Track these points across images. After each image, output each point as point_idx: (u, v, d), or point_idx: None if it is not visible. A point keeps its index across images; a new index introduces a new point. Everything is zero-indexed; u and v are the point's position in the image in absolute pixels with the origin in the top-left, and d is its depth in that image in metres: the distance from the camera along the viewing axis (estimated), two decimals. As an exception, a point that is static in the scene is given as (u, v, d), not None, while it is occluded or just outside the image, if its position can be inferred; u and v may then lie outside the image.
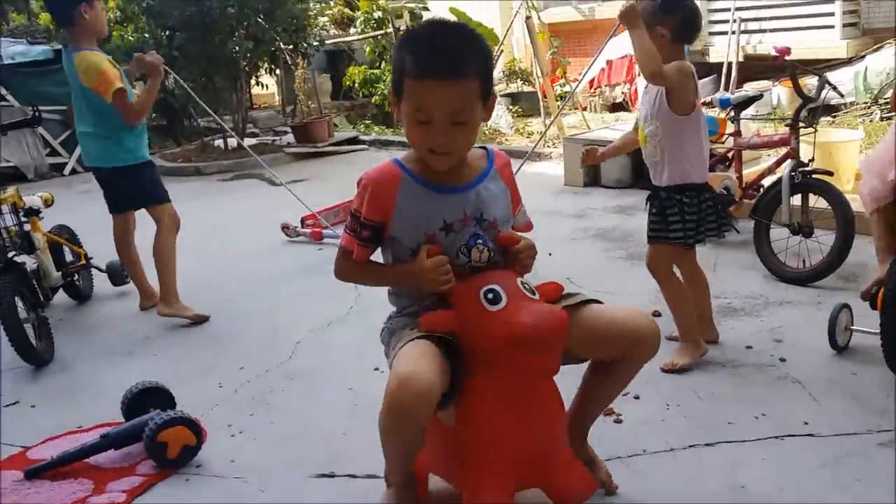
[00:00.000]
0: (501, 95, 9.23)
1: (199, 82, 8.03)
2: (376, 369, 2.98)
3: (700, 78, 8.57)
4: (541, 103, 7.95)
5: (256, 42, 7.73)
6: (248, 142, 8.45)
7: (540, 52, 7.72)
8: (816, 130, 3.95)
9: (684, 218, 2.74)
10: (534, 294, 1.76)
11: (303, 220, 4.97)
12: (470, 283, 1.76)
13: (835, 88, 4.25)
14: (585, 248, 4.29)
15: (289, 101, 9.89)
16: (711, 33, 8.40)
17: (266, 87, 9.49)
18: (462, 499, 1.82)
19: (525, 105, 9.11)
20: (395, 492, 1.94)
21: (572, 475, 1.87)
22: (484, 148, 1.94)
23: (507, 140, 7.75)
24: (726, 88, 7.75)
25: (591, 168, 5.74)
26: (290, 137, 8.62)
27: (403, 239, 1.83)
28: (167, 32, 7.76)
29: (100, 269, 4.15)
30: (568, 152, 5.90)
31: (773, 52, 4.11)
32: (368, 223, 1.82)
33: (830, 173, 3.65)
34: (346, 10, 11.37)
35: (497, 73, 9.78)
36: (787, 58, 4.02)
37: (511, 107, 8.90)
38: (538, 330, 1.64)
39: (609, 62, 9.16)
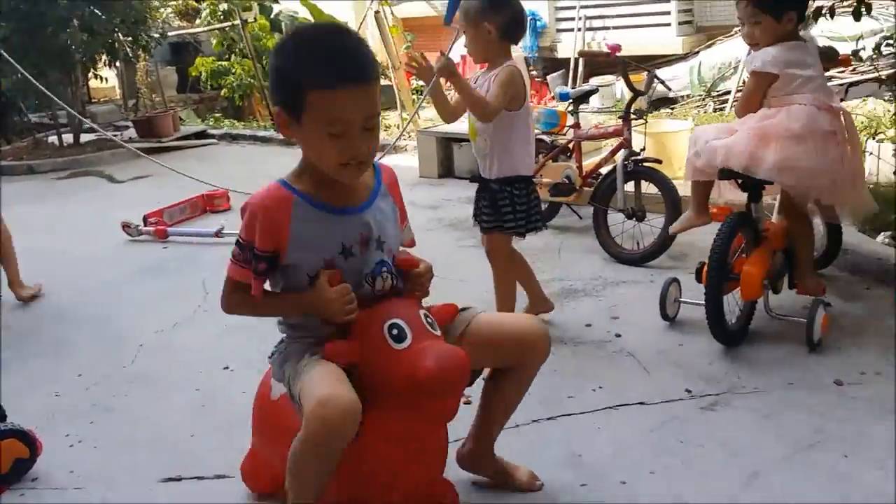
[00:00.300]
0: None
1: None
2: (226, 368, 2.92)
3: (549, 73, 8.92)
4: (397, 97, 8.00)
5: (92, 34, 7.28)
6: (86, 138, 7.94)
7: (392, 47, 7.75)
8: (646, 122, 4.23)
9: (515, 209, 2.86)
10: (435, 329, 1.73)
11: (145, 218, 4.73)
12: (373, 315, 1.69)
13: (662, 83, 4.57)
14: (440, 238, 4.37)
15: (131, 95, 9.36)
16: (559, 30, 8.78)
17: (105, 80, 8.94)
18: None
19: (382, 98, 9.11)
20: None
21: (446, 491, 1.92)
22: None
23: (362, 133, 7.73)
24: (573, 83, 8.14)
25: (444, 160, 5.87)
26: (132, 132, 8.17)
27: (300, 265, 1.72)
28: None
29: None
30: (422, 145, 5.98)
31: (606, 49, 4.36)
32: (263, 254, 1.69)
33: (659, 161, 3.93)
34: (191, 2, 10.91)
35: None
36: (618, 54, 4.27)
37: (367, 100, 8.88)
38: (442, 375, 1.60)
39: (464, 57, 9.35)
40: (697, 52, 7.79)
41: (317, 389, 1.58)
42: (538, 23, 8.78)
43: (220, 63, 9.20)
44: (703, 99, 7.30)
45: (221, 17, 9.67)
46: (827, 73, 6.09)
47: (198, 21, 10.46)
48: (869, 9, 3.48)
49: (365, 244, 1.75)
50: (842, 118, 2.80)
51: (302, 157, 1.74)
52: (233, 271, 1.76)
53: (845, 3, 3.60)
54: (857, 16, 3.47)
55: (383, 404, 1.65)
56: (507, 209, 2.86)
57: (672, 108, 7.26)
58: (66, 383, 2.87)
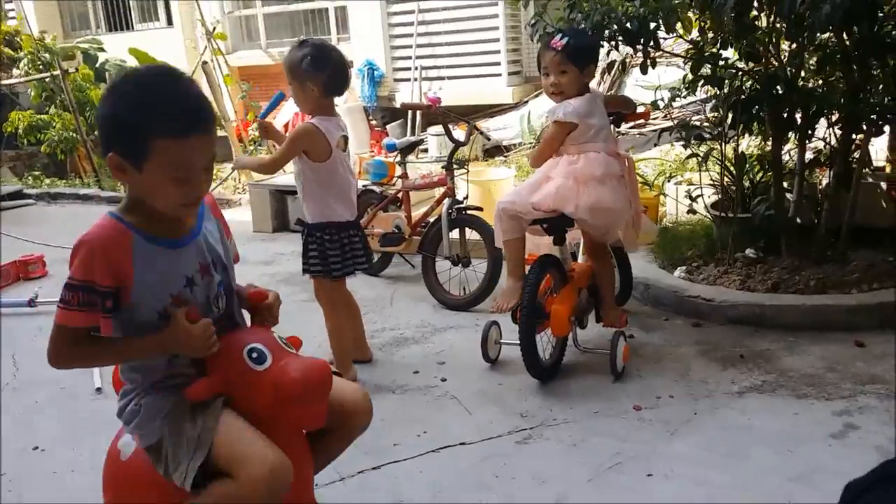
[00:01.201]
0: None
1: None
2: (35, 448, 2.73)
3: (389, 122, 9.11)
4: (233, 148, 7.88)
5: None
6: None
7: (221, 99, 7.66)
8: (468, 171, 4.45)
9: (325, 253, 3.00)
10: (291, 349, 1.78)
11: (-53, 289, 4.36)
12: (230, 345, 1.72)
13: (482, 133, 4.84)
14: (272, 293, 4.33)
15: (-65, 153, 8.63)
16: (397, 80, 9.03)
17: None
18: None
19: (217, 151, 8.91)
20: None
21: None
22: None
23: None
24: (412, 132, 8.38)
25: (278, 213, 5.84)
26: (-64, 195, 7.50)
27: (147, 303, 1.67)
28: None
29: None
30: (255, 198, 5.93)
31: (427, 101, 4.56)
32: (108, 291, 1.62)
33: (480, 209, 4.14)
34: (7, 50, 10.24)
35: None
36: (438, 105, 4.48)
37: (202, 152, 8.66)
38: (308, 383, 1.67)
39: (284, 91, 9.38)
40: (527, 102, 8.26)
41: (254, 449, 1.61)
42: (376, 72, 8.99)
43: (38, 117, 8.67)
44: (534, 146, 7.74)
45: (41, 66, 9.14)
46: (632, 124, 6.68)
47: (15, 71, 9.82)
48: (654, 63, 3.87)
49: (206, 271, 1.76)
50: (626, 163, 3.12)
51: (130, 193, 1.71)
52: (67, 318, 1.63)
53: (656, 55, 3.99)
54: (643, 70, 3.85)
55: (263, 420, 1.70)
56: (313, 253, 3.02)
57: (505, 156, 7.65)
58: None
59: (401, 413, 2.83)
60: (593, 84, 3.40)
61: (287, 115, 9.45)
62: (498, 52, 8.50)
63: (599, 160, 3.00)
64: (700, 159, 3.99)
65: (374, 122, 9.05)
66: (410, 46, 8.76)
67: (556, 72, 3.04)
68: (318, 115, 2.95)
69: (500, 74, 8.55)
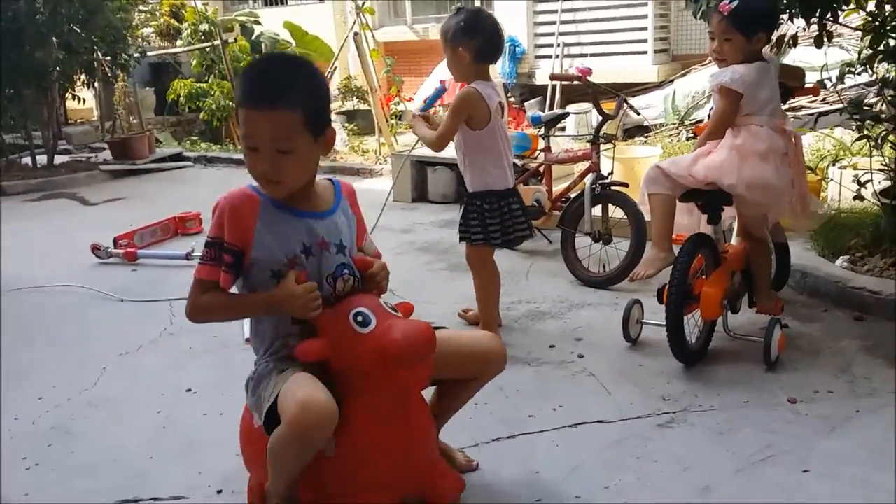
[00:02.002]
0: (337, 113, 9.24)
1: (4, 94, 7.44)
2: (188, 391, 2.91)
3: (527, 99, 9.04)
4: (376, 120, 8.05)
5: (70, 52, 7.27)
6: (60, 159, 7.91)
7: (370, 71, 7.82)
8: (615, 146, 4.30)
9: (484, 222, 2.98)
10: (397, 313, 1.84)
11: (115, 240, 4.71)
12: (337, 308, 1.81)
13: (632, 108, 4.66)
14: (409, 262, 4.39)
15: (108, 116, 9.35)
16: (538, 57, 8.88)
17: (83, 101, 8.92)
18: None
19: (361, 123, 9.17)
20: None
21: (446, 480, 2.02)
22: (330, 180, 2.00)
23: (341, 157, 7.77)
24: (550, 109, 8.25)
25: (418, 183, 5.90)
26: (106, 154, 8.15)
27: (264, 263, 1.82)
28: (-35, 40, 7.13)
29: None
30: (396, 169, 6.02)
31: (577, 73, 4.43)
32: (231, 248, 1.80)
33: (626, 185, 3.99)
34: (173, 22, 10.95)
35: (332, 89, 9.79)
36: (588, 78, 4.34)
37: (346, 124, 8.93)
38: (410, 344, 1.72)
39: (443, 82, 9.45)
40: (672, 81, 7.90)
41: (297, 395, 1.69)
42: (517, 49, 8.88)
43: (198, 85, 9.22)
44: (677, 127, 7.41)
45: (202, 37, 9.70)
46: (797, 102, 6.22)
47: (178, 41, 10.49)
48: (830, 37, 3.57)
49: (325, 247, 1.86)
50: (793, 141, 2.89)
51: None
52: (201, 271, 1.83)
53: (810, 32, 3.69)
54: (818, 43, 3.56)
55: (361, 389, 1.77)
56: (474, 221, 3.00)
57: (646, 137, 7.37)
58: (25, 406, 2.84)
59: (536, 386, 2.78)
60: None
61: (427, 90, 9.55)
62: (644, 28, 8.16)
63: (763, 135, 2.81)
64: (874, 142, 3.65)
65: (512, 99, 8.96)
66: (554, 23, 8.58)
67: (720, 37, 2.85)
68: (478, 81, 2.93)
69: (645, 52, 8.21)
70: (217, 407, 2.74)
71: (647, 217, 3.40)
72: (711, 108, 3.12)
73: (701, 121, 7.35)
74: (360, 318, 1.77)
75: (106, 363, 3.20)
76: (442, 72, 9.23)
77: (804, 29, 3.67)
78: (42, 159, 7.67)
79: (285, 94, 1.73)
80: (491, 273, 3.14)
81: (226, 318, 2.01)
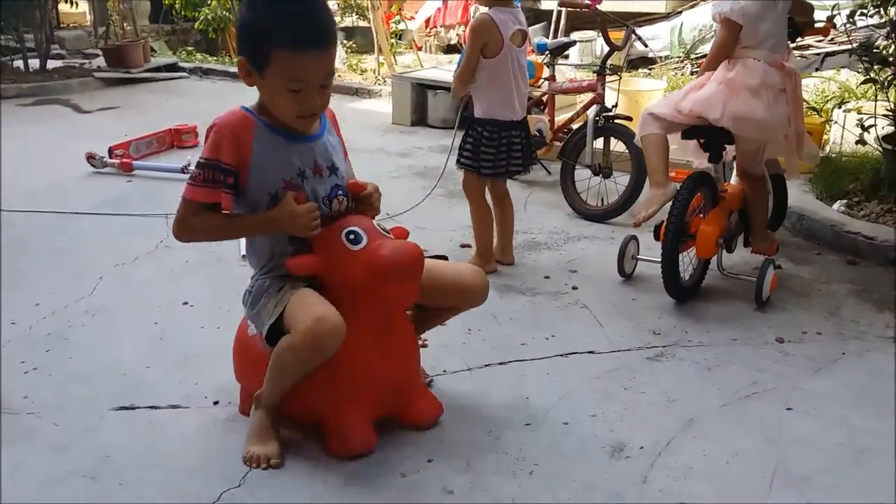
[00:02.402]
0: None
1: (-7, -6, 7.20)
2: (185, 303, 2.93)
3: (530, 25, 8.87)
4: (375, 37, 7.86)
5: (61, -47, 7.02)
6: (52, 64, 7.71)
7: (371, -13, 7.59)
8: (621, 78, 4.24)
9: (478, 149, 2.96)
10: (388, 233, 1.92)
11: (111, 150, 4.65)
12: (331, 227, 1.87)
13: (640, 39, 4.55)
14: (406, 186, 4.37)
15: (101, 22, 9.09)
16: (544, -20, 8.65)
17: (76, 4, 8.63)
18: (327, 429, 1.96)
19: (360, 41, 8.95)
20: (266, 412, 1.97)
21: (424, 402, 2.09)
22: None
23: (339, 76, 7.61)
24: (554, 35, 8.06)
25: (418, 107, 5.82)
26: (100, 61, 7.96)
27: (260, 185, 1.85)
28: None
29: None
30: (396, 91, 5.92)
31: (586, 1, 4.32)
32: (230, 169, 1.82)
33: (629, 118, 3.95)
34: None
35: (332, 3, 9.52)
36: (597, 7, 4.24)
37: (345, 42, 8.72)
38: (398, 261, 1.79)
39: (445, 2, 9.21)
40: (680, 13, 7.73)
41: (309, 308, 1.77)
42: (523, -28, 8.64)
43: (195, -7, 8.94)
44: (682, 61, 7.29)
45: (202, -58, 9.35)
46: (805, 41, 6.10)
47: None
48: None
49: (318, 170, 1.91)
50: (791, 78, 2.83)
51: (261, 96, 1.88)
52: (194, 193, 1.84)
53: None
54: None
55: (350, 306, 1.83)
56: (467, 147, 3.00)
57: (650, 69, 7.24)
58: (22, 312, 2.86)
59: (530, 315, 2.82)
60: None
61: (429, 10, 9.31)
62: (656, -44, 7.93)
63: (757, 69, 2.76)
64: (880, 86, 3.61)
65: (518, 24, 8.77)
66: (563, -54, 8.30)
67: None
68: (495, 6, 2.85)
69: (655, -18, 8.00)
70: (213, 320, 2.77)
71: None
72: None
73: (704, 38, 7.27)
74: (351, 237, 1.84)
75: (102, 273, 3.20)
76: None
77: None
78: (34, 63, 7.49)
79: (334, 29, 1.80)
80: (481, 203, 3.11)
81: (219, 238, 2.04)
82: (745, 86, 2.75)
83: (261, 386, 1.97)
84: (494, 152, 2.96)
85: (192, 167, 4.60)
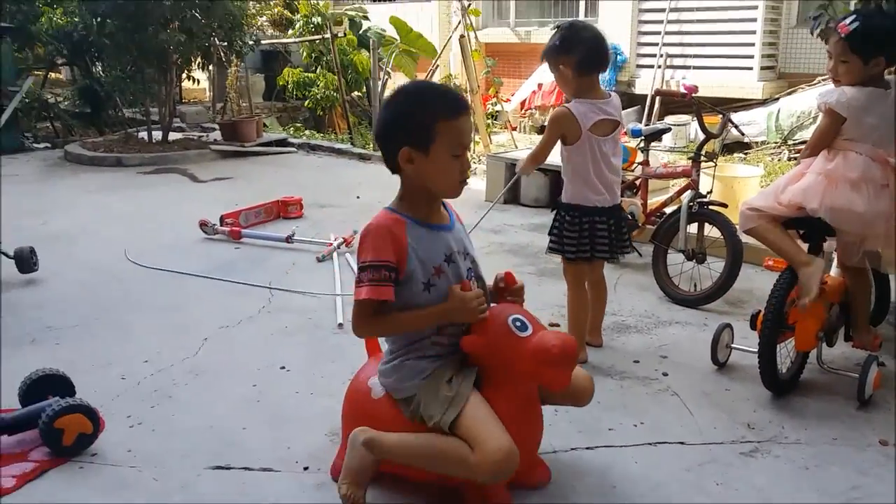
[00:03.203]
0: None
1: (127, 72, 7.91)
2: (282, 368, 3.05)
3: (625, 107, 8.97)
4: (472, 120, 8.13)
5: (190, 36, 7.66)
6: (173, 136, 8.35)
7: (472, 71, 7.90)
8: (716, 165, 4.22)
9: (562, 233, 3.05)
10: (541, 324, 2.08)
11: (222, 218, 4.96)
12: (495, 314, 2.04)
13: (737, 127, 4.55)
14: (498, 263, 4.44)
15: (220, 98, 9.80)
16: (639, 66, 8.77)
17: (197, 82, 9.39)
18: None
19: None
20: (374, 461, 2.06)
21: (540, 468, 2.26)
22: None
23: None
24: (648, 120, 8.13)
25: (512, 186, 5.93)
26: (217, 134, 8.54)
27: (416, 275, 2.01)
28: (97, 19, 7.62)
29: (7, 256, 4.06)
30: (491, 170, 6.08)
31: (682, 90, 4.37)
32: (392, 266, 1.98)
33: (725, 205, 3.92)
34: (286, 12, 11.35)
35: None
36: (693, 95, 4.28)
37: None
38: (565, 350, 1.96)
39: (540, 85, 9.45)
40: (777, 99, 7.64)
41: (495, 434, 1.88)
42: (619, 57, 8.79)
43: (306, 74, 9.54)
44: (779, 146, 7.18)
45: (313, 29, 10.04)
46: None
47: (290, 31, 10.88)
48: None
49: (458, 255, 2.09)
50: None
51: (401, 189, 2.08)
52: (370, 293, 1.98)
53: None
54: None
55: (508, 381, 2.02)
56: (553, 231, 3.10)
57: (746, 153, 7.17)
58: (132, 367, 3.05)
59: (618, 400, 2.79)
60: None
61: (524, 93, 9.56)
62: (752, 44, 7.93)
63: (857, 162, 2.70)
64: None
65: (611, 108, 8.89)
66: (658, 33, 8.44)
67: (836, 58, 2.75)
68: (578, 98, 2.96)
69: (751, 68, 7.97)
70: (308, 386, 2.87)
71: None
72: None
73: (802, 125, 7.13)
74: (518, 324, 2.01)
75: (207, 333, 3.39)
76: (541, 75, 9.23)
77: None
78: (157, 135, 8.11)
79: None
80: (577, 290, 3.12)
81: (397, 332, 2.12)
82: (844, 178, 2.70)
83: None
84: (577, 236, 3.00)
85: (296, 237, 4.84)
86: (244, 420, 2.64)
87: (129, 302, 3.79)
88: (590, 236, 3.01)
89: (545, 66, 3.21)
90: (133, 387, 2.90)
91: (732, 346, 3.07)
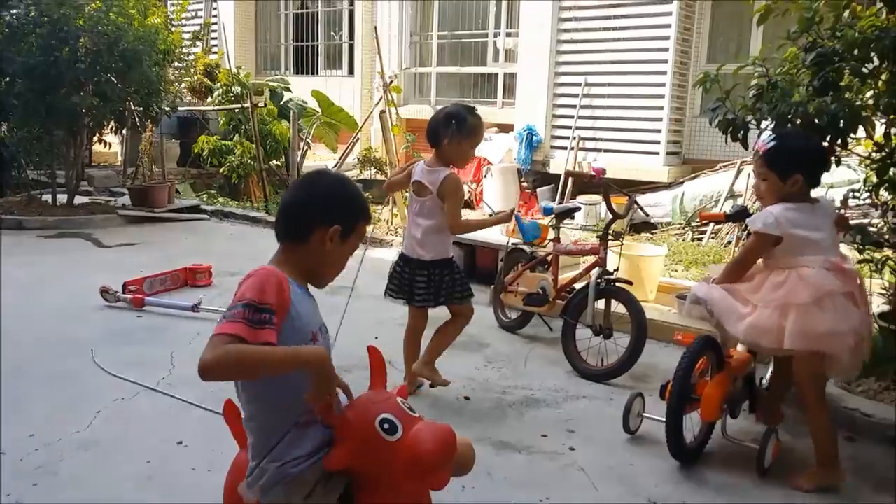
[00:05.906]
0: (355, 181, 9.42)
1: (34, 132, 7.65)
2: (179, 443, 2.91)
3: (539, 186, 9.19)
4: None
5: (104, 99, 7.51)
6: (80, 200, 8.07)
7: (391, 145, 8.03)
8: (622, 244, 4.39)
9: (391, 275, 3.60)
10: (413, 412, 1.87)
11: (125, 286, 4.78)
12: (360, 414, 1.82)
13: (642, 209, 4.77)
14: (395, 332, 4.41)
15: (132, 163, 9.57)
16: (553, 147, 9.14)
17: (109, 145, 9.14)
18: None
19: (375, 192, 9.34)
20: None
21: None
22: None
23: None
24: (561, 198, 8.42)
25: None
26: (126, 199, 8.31)
27: (297, 336, 1.83)
28: (7, 78, 7.40)
29: None
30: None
31: (591, 171, 4.57)
32: (273, 313, 1.77)
33: (630, 283, 4.06)
34: (206, 80, 11.31)
35: (352, 158, 10.03)
36: (602, 177, 4.47)
37: (364, 193, 9.07)
38: (441, 452, 1.78)
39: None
40: (682, 182, 8.08)
41: None
42: (534, 137, 9.15)
43: (223, 142, 9.46)
44: (683, 228, 7.55)
45: (233, 98, 10.02)
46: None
47: (209, 99, 10.82)
48: (839, 161, 3.65)
49: (323, 328, 1.99)
50: (856, 279, 2.76)
51: (287, 255, 1.97)
52: (242, 330, 1.71)
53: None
54: (827, 167, 3.65)
55: (382, 488, 1.82)
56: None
57: (652, 233, 7.49)
58: (15, 441, 2.86)
59: (526, 475, 2.78)
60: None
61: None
62: (659, 130, 8.41)
63: (814, 278, 2.62)
64: (875, 266, 3.73)
65: (524, 184, 9.17)
66: (572, 117, 8.86)
67: (758, 177, 2.84)
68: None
69: (657, 153, 8.42)
70: (205, 462, 2.75)
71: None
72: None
73: (705, 207, 7.52)
74: (386, 426, 1.80)
75: (101, 406, 3.21)
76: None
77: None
78: (62, 198, 7.83)
79: None
80: (409, 322, 3.60)
81: (249, 371, 1.80)
82: (801, 301, 2.60)
83: None
84: (395, 278, 3.52)
85: (203, 305, 4.68)
86: (134, 498, 2.50)
87: (20, 371, 3.56)
88: (397, 278, 3.51)
89: None
90: (15, 462, 2.70)
91: (644, 414, 3.14)
